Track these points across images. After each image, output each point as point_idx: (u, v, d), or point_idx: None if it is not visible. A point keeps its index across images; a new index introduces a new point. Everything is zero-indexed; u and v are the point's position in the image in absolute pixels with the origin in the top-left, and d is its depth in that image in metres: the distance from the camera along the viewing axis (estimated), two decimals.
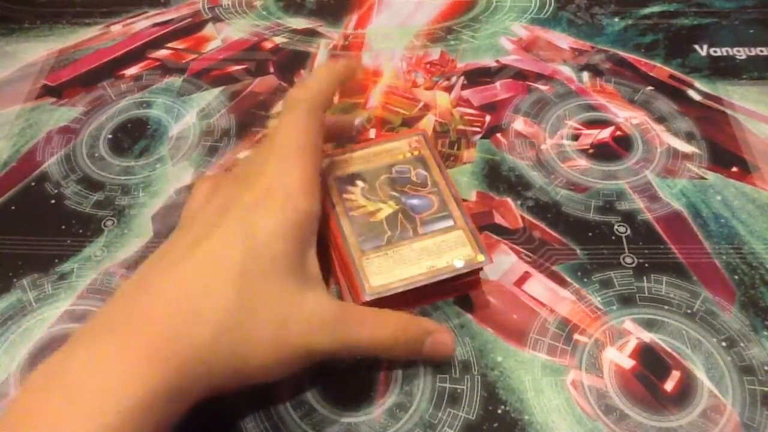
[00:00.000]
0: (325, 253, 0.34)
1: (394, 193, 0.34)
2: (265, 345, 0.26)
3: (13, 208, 0.39)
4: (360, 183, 0.35)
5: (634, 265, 0.35)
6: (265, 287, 0.26)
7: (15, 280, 0.36)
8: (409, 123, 0.43)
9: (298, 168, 0.29)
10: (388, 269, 0.31)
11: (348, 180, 0.35)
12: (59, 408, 0.22)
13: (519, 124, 0.43)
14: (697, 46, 0.48)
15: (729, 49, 0.48)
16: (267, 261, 0.26)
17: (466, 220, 0.33)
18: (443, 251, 0.32)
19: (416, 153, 0.36)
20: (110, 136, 0.44)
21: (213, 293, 0.25)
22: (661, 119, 0.43)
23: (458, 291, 0.34)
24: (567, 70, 0.47)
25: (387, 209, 0.34)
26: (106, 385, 0.23)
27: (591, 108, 0.44)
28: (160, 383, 0.23)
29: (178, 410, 0.24)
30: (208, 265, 0.26)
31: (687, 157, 0.41)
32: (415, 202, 0.34)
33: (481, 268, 0.32)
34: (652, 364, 0.31)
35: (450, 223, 0.33)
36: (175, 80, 0.47)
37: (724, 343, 0.32)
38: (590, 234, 0.37)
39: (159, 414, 0.23)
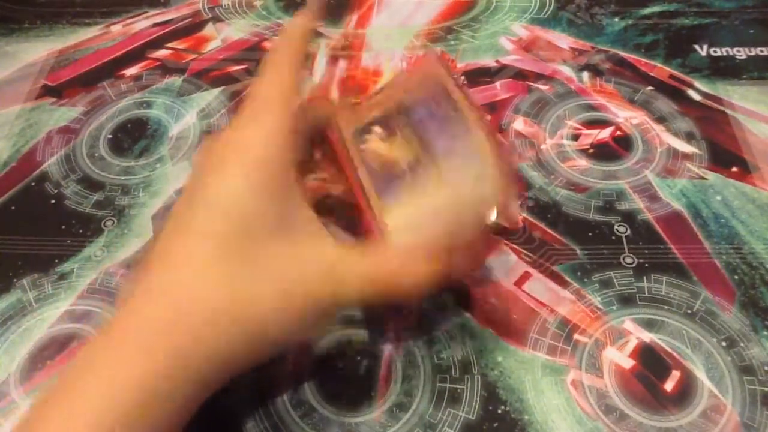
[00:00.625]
0: (354, 213, 0.31)
1: (415, 136, 0.31)
2: (268, 312, 0.25)
3: (13, 208, 0.39)
4: (377, 129, 0.32)
5: (634, 265, 0.35)
6: (251, 251, 0.25)
7: (15, 280, 0.36)
8: None
9: (262, 120, 0.27)
10: (413, 216, 0.28)
11: (364, 129, 0.32)
12: (60, 411, 0.22)
13: (519, 124, 0.43)
14: (697, 46, 0.48)
15: (729, 49, 0.48)
16: (243, 221, 0.25)
17: (495, 157, 0.28)
18: (469, 203, 0.28)
19: (430, 75, 0.32)
20: (110, 136, 0.44)
21: (202, 272, 0.24)
22: (661, 119, 0.43)
23: (486, 245, 0.31)
24: (567, 70, 0.47)
25: (409, 153, 0.30)
26: (105, 380, 0.22)
27: (591, 108, 0.44)
28: (159, 372, 0.22)
29: (187, 399, 0.24)
30: (193, 244, 0.25)
31: (687, 157, 0.41)
32: (438, 142, 0.30)
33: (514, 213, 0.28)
34: (652, 364, 0.31)
35: (477, 160, 0.29)
36: (175, 80, 0.47)
37: (724, 343, 0.32)
38: (590, 234, 0.37)
39: (163, 403, 0.23)
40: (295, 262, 0.25)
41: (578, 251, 0.36)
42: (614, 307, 0.34)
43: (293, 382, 0.31)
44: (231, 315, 0.24)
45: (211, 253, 0.24)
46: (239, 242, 0.25)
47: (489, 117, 0.44)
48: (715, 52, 0.48)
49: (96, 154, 0.42)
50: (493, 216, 0.27)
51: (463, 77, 0.46)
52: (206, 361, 0.24)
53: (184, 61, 0.49)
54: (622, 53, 0.48)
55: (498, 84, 0.46)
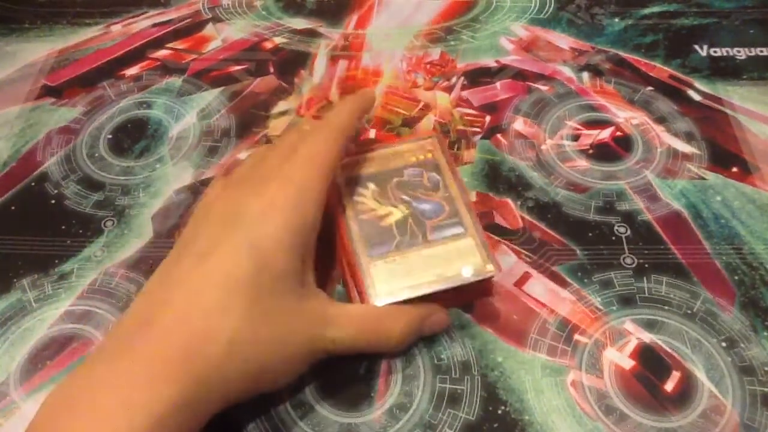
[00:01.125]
0: (332, 255, 0.34)
1: (405, 197, 0.34)
2: (275, 355, 0.27)
3: (13, 208, 0.39)
4: (371, 186, 0.34)
5: (634, 265, 0.35)
6: (273, 300, 0.27)
7: (15, 280, 0.36)
8: (409, 123, 0.43)
9: (312, 181, 0.29)
10: (396, 276, 0.31)
11: (359, 182, 0.35)
12: (85, 427, 0.23)
13: (519, 124, 0.43)
14: (697, 47, 0.48)
15: (729, 50, 0.48)
16: (273, 274, 0.27)
17: (477, 229, 0.33)
18: (453, 259, 0.31)
19: (429, 156, 0.36)
20: (110, 137, 0.44)
21: (224, 310, 0.26)
22: (661, 119, 0.43)
23: (467, 300, 0.34)
24: (567, 71, 0.47)
25: (397, 213, 0.33)
26: (129, 402, 0.23)
27: (591, 108, 0.44)
28: (179, 399, 0.24)
29: (197, 423, 0.25)
30: (218, 280, 0.26)
31: (687, 157, 0.41)
32: (425, 206, 0.34)
33: (491, 278, 0.32)
34: (652, 364, 0.31)
35: (460, 230, 0.32)
36: (175, 80, 0.47)
37: (724, 344, 0.32)
38: (590, 234, 0.37)
39: (180, 428, 0.24)
40: (301, 315, 0.28)
41: (578, 252, 0.36)
42: (614, 308, 0.34)
43: (293, 382, 0.31)
44: (244, 351, 0.26)
45: (240, 295, 0.26)
46: (265, 293, 0.27)
47: (489, 118, 0.44)
48: (715, 52, 0.48)
49: (96, 155, 0.42)
50: (468, 273, 0.31)
51: (463, 77, 0.46)
52: (217, 392, 0.25)
53: (184, 62, 0.49)
54: (622, 53, 0.48)
55: (498, 84, 0.46)
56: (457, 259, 0.31)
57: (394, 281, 0.31)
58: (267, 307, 0.27)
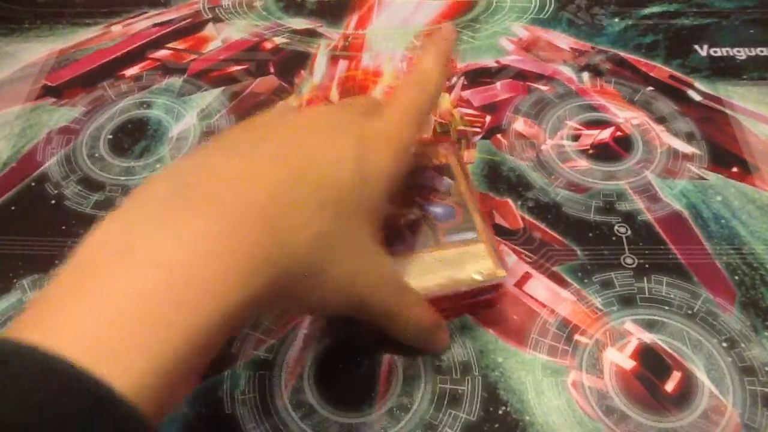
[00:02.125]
0: None
1: (418, 200, 0.34)
2: (333, 285, 0.24)
3: (13, 208, 0.39)
4: None
5: (634, 265, 0.35)
6: (355, 222, 0.24)
7: (15, 280, 0.36)
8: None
9: (412, 131, 0.28)
10: (407, 276, 0.31)
11: None
12: (138, 274, 0.18)
13: (519, 124, 0.43)
14: (697, 47, 0.48)
15: (729, 50, 0.48)
16: (367, 195, 0.25)
17: (488, 234, 0.32)
18: (464, 263, 0.31)
19: (443, 161, 0.36)
20: (110, 137, 0.44)
21: (313, 208, 0.22)
22: (661, 120, 0.43)
23: (476, 308, 0.33)
24: (567, 71, 0.47)
25: (410, 215, 0.33)
26: (197, 285, 0.18)
27: (591, 108, 0.44)
28: (253, 295, 0.20)
29: (247, 323, 0.23)
30: (317, 169, 0.23)
31: (687, 157, 0.41)
32: (438, 210, 0.33)
33: (502, 285, 0.32)
34: (652, 364, 0.31)
35: (473, 235, 0.32)
36: (176, 81, 0.47)
37: (724, 344, 0.32)
38: (591, 235, 0.37)
39: (241, 323, 0.21)
40: (370, 263, 0.26)
41: (578, 252, 0.36)
42: (615, 308, 0.34)
43: (293, 383, 0.31)
44: (319, 258, 0.23)
45: (333, 195, 0.24)
46: (351, 209, 0.24)
47: (489, 118, 0.44)
48: (715, 52, 0.48)
49: (96, 155, 0.42)
50: (478, 277, 0.31)
51: (463, 77, 0.46)
52: (276, 283, 0.21)
53: (184, 62, 0.49)
54: (622, 53, 0.48)
55: (498, 84, 0.46)
56: (469, 262, 0.31)
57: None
58: (347, 226, 0.24)
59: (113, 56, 0.49)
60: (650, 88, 0.45)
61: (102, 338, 0.16)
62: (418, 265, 0.31)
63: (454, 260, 0.31)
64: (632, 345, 0.32)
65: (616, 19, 0.51)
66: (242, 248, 0.20)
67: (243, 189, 0.21)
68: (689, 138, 0.42)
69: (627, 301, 0.34)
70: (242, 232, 0.20)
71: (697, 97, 0.44)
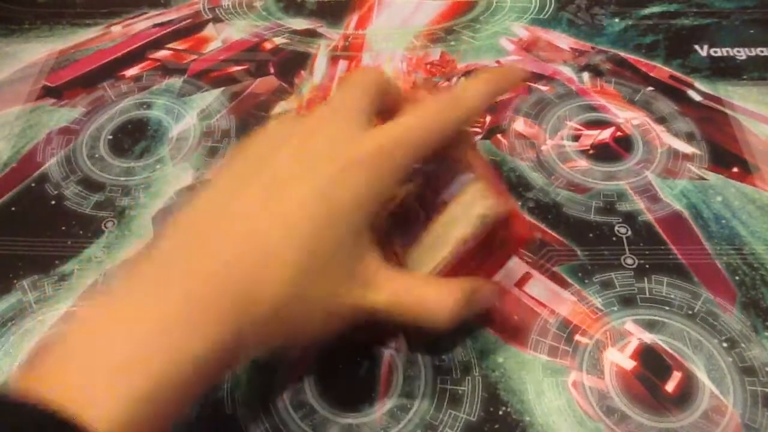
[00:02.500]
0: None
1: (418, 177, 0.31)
2: (319, 312, 0.26)
3: (13, 209, 0.39)
4: None
5: (634, 266, 0.35)
6: (330, 258, 0.25)
7: (15, 281, 0.36)
8: None
9: (407, 159, 0.27)
10: (420, 260, 0.29)
11: None
12: (123, 350, 0.21)
13: (519, 124, 0.43)
14: (697, 47, 0.48)
15: (729, 50, 0.48)
16: (343, 233, 0.25)
17: (486, 170, 0.30)
18: (466, 213, 0.29)
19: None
20: (110, 137, 0.44)
21: (282, 261, 0.24)
22: (661, 120, 0.43)
23: (497, 257, 0.31)
24: (567, 71, 0.47)
25: (402, 193, 0.31)
26: (167, 333, 0.22)
27: (591, 109, 0.44)
28: (218, 343, 0.22)
29: (228, 369, 0.25)
30: (284, 223, 0.24)
31: (687, 157, 0.41)
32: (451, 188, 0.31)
33: (512, 218, 0.29)
34: (653, 365, 0.31)
35: (469, 176, 0.30)
36: (176, 81, 0.47)
37: (725, 344, 0.32)
38: (591, 235, 0.37)
39: (213, 373, 0.23)
40: (350, 276, 0.26)
41: (579, 252, 0.36)
42: (615, 308, 0.34)
43: (294, 383, 0.31)
44: (290, 309, 0.24)
45: (301, 246, 0.24)
46: (324, 249, 0.25)
47: (489, 118, 0.43)
48: (715, 52, 0.48)
49: (96, 155, 0.42)
50: (486, 209, 0.28)
51: (463, 77, 0.46)
52: (255, 343, 0.24)
53: (184, 62, 0.49)
54: (622, 54, 0.48)
55: None
56: (471, 209, 0.29)
57: (420, 266, 0.29)
58: (323, 264, 0.25)
59: (113, 57, 0.49)
60: (650, 88, 0.45)
61: (84, 387, 0.20)
62: (425, 244, 0.29)
63: (459, 216, 0.29)
64: (633, 345, 0.32)
65: (616, 19, 0.51)
66: (211, 306, 0.23)
67: (215, 256, 0.24)
68: (689, 138, 0.42)
69: (627, 302, 0.34)
70: (213, 294, 0.23)
71: (698, 98, 0.44)
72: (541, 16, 0.52)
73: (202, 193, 0.26)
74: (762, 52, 0.48)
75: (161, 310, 0.22)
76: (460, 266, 0.29)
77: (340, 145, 0.26)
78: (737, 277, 0.35)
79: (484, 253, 0.30)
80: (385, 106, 0.30)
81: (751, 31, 0.49)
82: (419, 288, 0.28)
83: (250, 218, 0.25)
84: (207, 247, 0.24)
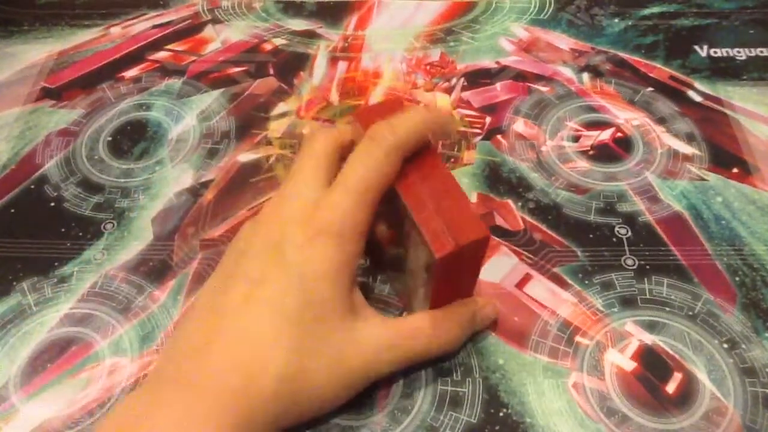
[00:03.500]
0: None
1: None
2: (325, 385, 0.27)
3: (12, 211, 0.39)
4: None
5: (635, 267, 0.35)
6: (320, 332, 0.27)
7: (15, 283, 0.36)
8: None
9: (359, 211, 0.27)
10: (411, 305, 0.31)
11: None
12: None
13: (519, 125, 0.43)
14: (697, 47, 0.48)
15: (729, 50, 0.48)
16: (319, 306, 0.27)
17: (427, 214, 0.28)
18: (417, 261, 0.29)
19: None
20: (110, 139, 0.43)
21: (274, 344, 0.26)
22: (661, 120, 0.43)
23: (466, 272, 0.31)
24: (567, 72, 0.47)
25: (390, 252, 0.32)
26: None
27: (591, 109, 0.44)
28: None
29: None
30: (267, 314, 0.26)
31: (687, 158, 0.41)
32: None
33: (457, 249, 0.27)
34: (653, 366, 0.31)
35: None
36: (175, 82, 0.47)
37: (725, 345, 0.32)
38: (591, 236, 0.37)
39: None
40: (353, 344, 0.28)
41: (579, 253, 0.36)
42: (615, 309, 0.34)
43: None
44: (293, 386, 0.26)
45: (286, 329, 0.26)
46: (313, 325, 0.27)
47: (489, 119, 0.43)
48: (715, 52, 0.48)
49: (95, 157, 0.42)
50: (427, 259, 0.28)
51: (463, 78, 0.46)
52: (266, 424, 0.26)
53: (183, 63, 0.49)
54: (622, 54, 0.48)
55: (498, 85, 0.46)
56: (417, 255, 0.29)
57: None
58: (316, 339, 0.27)
59: (112, 58, 0.49)
60: (650, 88, 0.45)
61: None
62: (410, 288, 0.31)
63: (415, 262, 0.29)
64: (633, 346, 0.32)
65: (616, 20, 0.51)
66: (212, 411, 0.25)
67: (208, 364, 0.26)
68: (689, 139, 0.42)
69: (628, 303, 0.34)
70: (210, 399, 0.25)
71: (697, 98, 0.44)
72: (541, 17, 0.52)
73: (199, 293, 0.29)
74: (762, 52, 0.48)
75: (177, 406, 0.25)
76: (442, 294, 0.30)
77: (307, 213, 0.28)
78: (737, 278, 0.35)
79: (453, 277, 0.29)
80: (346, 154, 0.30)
81: (751, 32, 0.49)
82: (425, 328, 0.30)
83: (240, 316, 0.27)
84: (200, 358, 0.26)
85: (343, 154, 0.30)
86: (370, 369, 0.28)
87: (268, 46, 0.50)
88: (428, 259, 0.27)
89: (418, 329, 0.30)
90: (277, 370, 0.26)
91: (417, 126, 0.28)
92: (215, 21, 0.52)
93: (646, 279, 0.35)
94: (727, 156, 0.41)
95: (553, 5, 0.52)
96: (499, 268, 0.35)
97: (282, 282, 0.27)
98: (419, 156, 0.29)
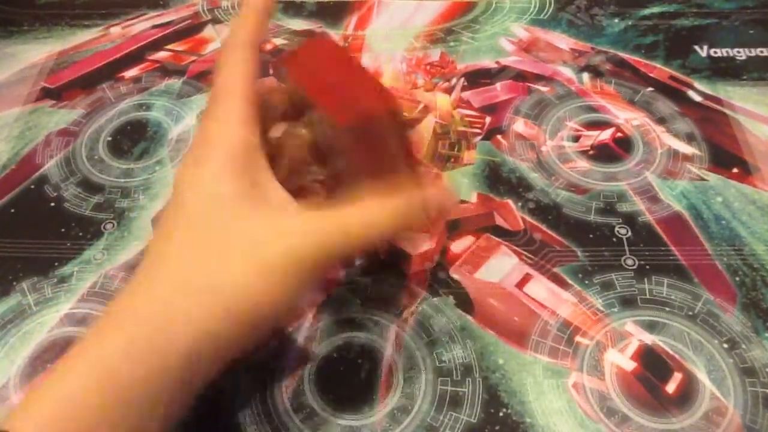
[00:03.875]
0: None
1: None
2: (246, 269, 0.24)
3: (12, 211, 0.39)
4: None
5: (635, 267, 0.35)
6: (219, 222, 0.25)
7: (15, 283, 0.36)
8: (409, 124, 0.43)
9: (234, 108, 0.27)
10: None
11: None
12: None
13: (519, 125, 0.43)
14: (697, 47, 0.48)
15: (729, 50, 0.48)
16: (211, 201, 0.25)
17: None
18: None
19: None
20: (110, 139, 0.43)
21: (178, 255, 0.25)
22: (661, 120, 0.43)
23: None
24: (567, 72, 0.47)
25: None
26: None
27: (591, 109, 0.44)
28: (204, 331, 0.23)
29: (185, 380, 0.23)
30: (167, 234, 0.26)
31: (687, 158, 0.41)
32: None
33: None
34: (653, 366, 0.31)
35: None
36: (175, 82, 0.47)
37: (725, 345, 0.32)
38: (591, 236, 0.37)
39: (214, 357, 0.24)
40: (269, 227, 0.25)
41: (579, 253, 0.36)
42: (615, 309, 0.34)
43: (294, 385, 0.31)
44: (211, 289, 0.24)
45: (184, 234, 0.25)
46: (208, 218, 0.25)
47: (489, 119, 0.43)
48: (715, 52, 0.48)
49: (95, 157, 0.42)
50: None
51: (463, 78, 0.46)
52: (194, 341, 0.23)
53: (183, 63, 0.49)
54: (622, 54, 0.48)
55: (498, 85, 0.46)
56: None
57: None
58: (221, 228, 0.25)
59: (112, 58, 0.49)
60: (650, 88, 0.45)
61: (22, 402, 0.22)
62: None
63: None
64: (633, 346, 0.32)
65: (616, 20, 0.51)
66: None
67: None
68: (689, 139, 0.42)
69: (628, 303, 0.34)
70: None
71: (697, 98, 0.44)
72: (541, 17, 0.52)
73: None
74: (762, 52, 0.48)
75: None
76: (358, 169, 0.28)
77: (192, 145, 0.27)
78: (738, 278, 0.35)
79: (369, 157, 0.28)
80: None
81: (751, 32, 0.49)
82: (352, 208, 0.26)
83: (160, 259, 0.25)
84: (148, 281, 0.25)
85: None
86: (297, 254, 0.25)
87: (267, 46, 0.50)
88: (334, 133, 0.27)
89: (348, 213, 0.26)
90: (187, 274, 0.24)
91: (257, 7, 0.30)
92: (215, 21, 0.52)
93: (646, 279, 0.35)
94: (727, 156, 0.41)
95: (553, 5, 0.52)
96: (499, 268, 0.35)
97: (176, 197, 0.26)
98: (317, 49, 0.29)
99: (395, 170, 0.29)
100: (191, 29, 0.52)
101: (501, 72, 0.47)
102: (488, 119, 0.44)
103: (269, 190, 0.27)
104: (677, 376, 0.31)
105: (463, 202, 0.39)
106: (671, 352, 0.32)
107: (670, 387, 0.31)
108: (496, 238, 0.37)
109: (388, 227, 0.27)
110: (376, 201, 0.27)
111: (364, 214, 0.26)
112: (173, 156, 0.42)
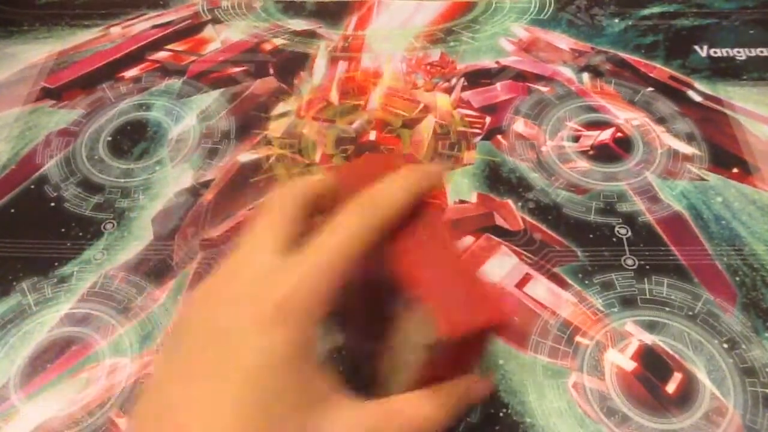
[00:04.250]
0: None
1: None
2: None
3: (12, 211, 0.39)
4: None
5: (635, 267, 0.35)
6: (266, 422, 0.22)
7: (15, 283, 0.36)
8: (409, 125, 0.43)
9: (325, 285, 0.23)
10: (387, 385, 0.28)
11: None
12: None
13: (519, 125, 0.43)
14: (697, 47, 0.48)
15: (729, 50, 0.48)
16: (274, 399, 0.23)
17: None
18: (411, 340, 0.26)
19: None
20: (110, 139, 0.43)
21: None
22: (661, 120, 0.43)
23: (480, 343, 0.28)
24: (567, 72, 0.47)
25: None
26: None
27: (591, 109, 0.44)
28: None
29: None
30: (206, 408, 0.22)
31: (687, 158, 0.41)
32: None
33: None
34: (653, 366, 0.31)
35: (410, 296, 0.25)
36: (175, 82, 0.47)
37: (725, 345, 0.32)
38: (591, 236, 0.37)
39: None
40: (317, 426, 0.24)
41: (579, 253, 0.36)
42: (615, 309, 0.34)
43: None
44: None
45: (230, 424, 0.22)
46: (258, 415, 0.22)
47: (489, 119, 0.43)
48: (715, 52, 0.48)
49: (95, 157, 0.42)
50: (429, 340, 0.24)
51: (463, 78, 0.46)
52: None
53: (183, 63, 0.49)
54: (622, 54, 0.48)
55: (498, 85, 0.46)
56: (415, 335, 0.26)
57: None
58: (261, 426, 0.22)
59: (112, 58, 0.49)
60: (650, 88, 0.45)
61: None
62: (384, 372, 0.28)
63: (401, 345, 0.27)
64: (633, 346, 0.32)
65: (616, 20, 0.51)
66: None
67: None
68: (689, 139, 0.42)
69: (628, 303, 0.34)
70: None
71: (697, 98, 0.44)
72: (541, 17, 0.52)
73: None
74: (762, 52, 0.48)
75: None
76: (434, 368, 0.26)
77: (261, 288, 0.23)
78: (738, 278, 0.35)
79: (453, 354, 0.25)
80: (323, 206, 0.27)
81: (751, 32, 0.49)
82: (405, 405, 0.26)
83: (177, 413, 0.23)
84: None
85: (309, 209, 0.26)
86: None
87: (268, 46, 0.50)
88: (429, 339, 0.24)
89: (399, 412, 0.25)
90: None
91: (398, 196, 0.25)
92: (215, 21, 0.52)
93: (646, 279, 0.35)
94: (727, 156, 0.41)
95: (553, 5, 0.52)
96: (499, 268, 0.35)
97: (218, 373, 0.23)
98: (417, 222, 0.26)
99: (469, 366, 0.28)
100: (191, 29, 0.52)
101: (501, 72, 0.47)
102: (488, 119, 0.44)
103: (321, 382, 0.25)
104: (677, 376, 0.31)
105: (463, 202, 0.39)
106: (671, 352, 0.32)
107: (670, 387, 0.31)
108: (496, 238, 0.37)
109: (437, 424, 0.26)
110: (432, 396, 0.26)
111: (417, 413, 0.25)
112: (173, 156, 0.42)
